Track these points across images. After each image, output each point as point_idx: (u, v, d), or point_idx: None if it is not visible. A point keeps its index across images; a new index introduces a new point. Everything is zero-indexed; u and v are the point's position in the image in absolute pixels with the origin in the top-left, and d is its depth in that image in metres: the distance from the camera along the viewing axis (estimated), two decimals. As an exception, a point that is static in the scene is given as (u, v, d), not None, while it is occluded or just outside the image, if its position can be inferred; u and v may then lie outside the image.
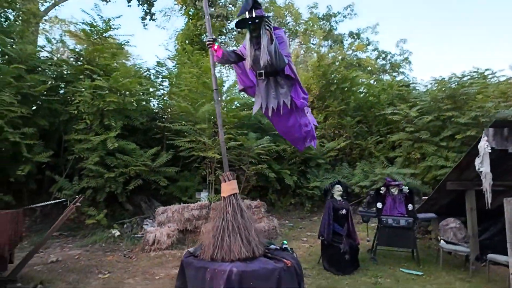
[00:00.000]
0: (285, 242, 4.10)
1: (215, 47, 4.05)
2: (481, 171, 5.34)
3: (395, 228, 6.12)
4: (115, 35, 10.63)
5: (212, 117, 8.95)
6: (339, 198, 5.96)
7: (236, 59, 4.31)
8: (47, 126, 9.27)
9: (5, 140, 7.90)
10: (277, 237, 7.94)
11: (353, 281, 5.19)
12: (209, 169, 8.67)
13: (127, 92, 9.66)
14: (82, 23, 10.03)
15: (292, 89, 4.36)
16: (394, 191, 6.51)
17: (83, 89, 9.13)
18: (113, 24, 10.31)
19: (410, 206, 6.38)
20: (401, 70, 26.55)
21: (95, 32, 10.02)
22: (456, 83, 11.12)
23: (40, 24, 15.12)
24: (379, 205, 6.57)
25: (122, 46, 10.83)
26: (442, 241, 6.15)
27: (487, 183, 5.30)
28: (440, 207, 7.79)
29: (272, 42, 3.79)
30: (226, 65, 16.79)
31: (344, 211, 5.80)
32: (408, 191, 6.48)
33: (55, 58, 10.63)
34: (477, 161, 5.43)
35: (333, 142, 12.20)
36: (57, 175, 9.05)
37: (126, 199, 9.67)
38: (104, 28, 10.03)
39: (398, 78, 21.88)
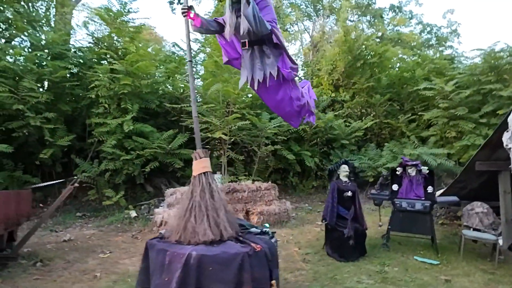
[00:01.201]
0: (266, 225, 3.79)
1: (191, 15, 3.73)
2: (510, 148, 4.59)
3: (410, 212, 5.54)
4: (133, 19, 10.64)
5: (224, 97, 8.69)
6: (345, 179, 5.48)
7: (217, 29, 3.97)
8: (70, 111, 9.57)
9: (28, 125, 8.25)
10: (289, 220, 7.64)
11: (355, 268, 4.77)
12: (221, 150, 8.47)
13: (148, 76, 9.68)
14: (100, 8, 10.12)
15: (279, 59, 3.96)
16: (412, 171, 5.88)
17: (101, 74, 9.27)
18: (130, 8, 10.33)
19: (430, 189, 5.73)
20: (448, 44, 24.26)
21: (112, 15, 10.07)
22: (506, 54, 9.83)
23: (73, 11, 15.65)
24: (394, 187, 5.99)
25: (140, 28, 10.80)
26: (465, 227, 5.47)
27: (517, 162, 4.55)
28: (470, 191, 6.99)
29: (249, 4, 3.40)
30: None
31: (350, 193, 5.33)
32: (428, 171, 5.81)
33: (77, 45, 10.89)
34: (506, 136, 4.67)
35: (360, 121, 11.46)
36: (83, 158, 9.37)
37: (147, 182, 9.84)
38: (119, 11, 10.04)
39: (445, 53, 19.92)
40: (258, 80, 3.90)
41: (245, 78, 4.05)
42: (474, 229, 5.44)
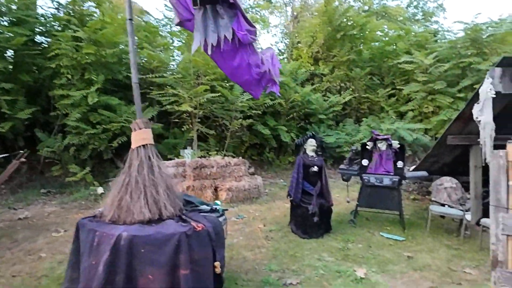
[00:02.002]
0: (217, 202, 3.52)
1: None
2: (480, 121, 4.37)
3: (378, 187, 5.36)
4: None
5: (194, 68, 8.21)
6: (312, 153, 5.23)
7: None
8: (32, 82, 8.95)
9: (-20, 96, 7.67)
10: (260, 196, 7.43)
11: (318, 245, 4.60)
12: (190, 124, 8.08)
13: (114, 45, 9.04)
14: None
15: (234, 20, 3.56)
16: (382, 146, 5.67)
17: (63, 42, 8.62)
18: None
19: (399, 164, 5.54)
20: (434, 19, 23.84)
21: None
22: (487, 27, 9.53)
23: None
24: (364, 162, 5.78)
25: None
26: (434, 203, 5.34)
27: (486, 135, 4.35)
28: (443, 165, 6.87)
29: None
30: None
31: (316, 168, 5.09)
32: (398, 146, 5.60)
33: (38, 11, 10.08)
34: (476, 109, 4.45)
35: (339, 96, 11.17)
36: (48, 132, 8.86)
37: (118, 157, 9.43)
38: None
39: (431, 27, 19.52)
40: (212, 43, 3.52)
41: (198, 42, 3.64)
42: (442, 204, 5.31)
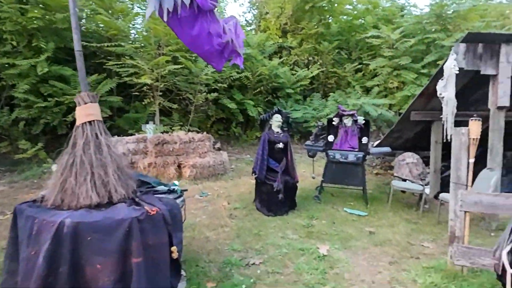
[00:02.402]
0: (175, 183, 3.31)
1: None
2: (443, 97, 4.39)
3: (343, 163, 5.35)
4: None
5: (155, 37, 7.68)
6: (277, 129, 5.08)
7: None
8: (-29, 48, 8.03)
9: None
10: (226, 172, 7.27)
11: (282, 222, 4.55)
12: (151, 97, 7.65)
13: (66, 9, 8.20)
14: None
15: (192, -17, 3.23)
16: (348, 122, 5.62)
17: (5, 4, 7.72)
18: None
19: (364, 139, 5.54)
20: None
21: None
22: (451, 2, 9.58)
23: None
24: (330, 138, 5.74)
25: None
26: (396, 178, 5.43)
27: (449, 111, 4.38)
28: (405, 141, 7.01)
29: None
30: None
31: (281, 145, 4.97)
32: (363, 122, 5.58)
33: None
34: (440, 85, 4.45)
35: (306, 70, 11.01)
36: (-5, 104, 8.08)
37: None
38: None
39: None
40: (168, 9, 3.19)
41: (153, 7, 3.28)
42: (404, 180, 5.41)
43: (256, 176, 4.93)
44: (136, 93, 7.81)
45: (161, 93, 7.69)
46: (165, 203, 2.79)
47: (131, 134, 8.05)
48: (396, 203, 5.54)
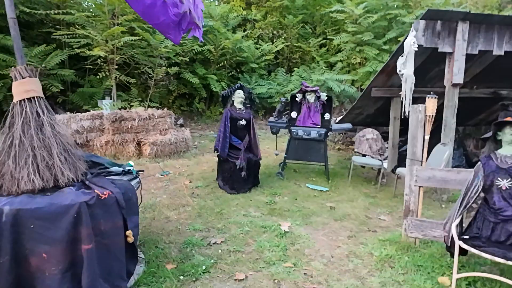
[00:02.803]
0: (130, 163, 3.13)
1: None
2: (402, 74, 4.45)
3: (306, 140, 5.38)
4: None
5: (109, 5, 7.12)
6: (239, 106, 4.97)
7: None
8: None
9: None
10: (188, 150, 7.10)
11: (245, 200, 4.53)
12: (107, 71, 7.18)
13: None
14: None
15: None
16: (311, 98, 5.61)
17: None
18: None
19: (326, 116, 5.58)
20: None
21: None
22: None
23: None
24: (293, 114, 5.72)
25: None
26: (356, 154, 5.55)
27: (407, 88, 4.46)
28: (366, 116, 7.15)
29: None
30: None
31: (244, 122, 4.87)
32: (326, 98, 5.59)
33: None
34: (400, 62, 4.49)
35: (271, 44, 10.82)
36: None
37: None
38: None
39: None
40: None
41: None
42: (364, 155, 5.55)
43: (218, 153, 4.83)
44: (90, 66, 7.29)
45: (117, 67, 7.23)
46: (119, 186, 2.64)
47: (87, 111, 7.60)
48: (356, 178, 5.70)
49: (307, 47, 11.34)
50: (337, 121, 7.35)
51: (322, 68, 10.47)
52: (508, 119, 2.51)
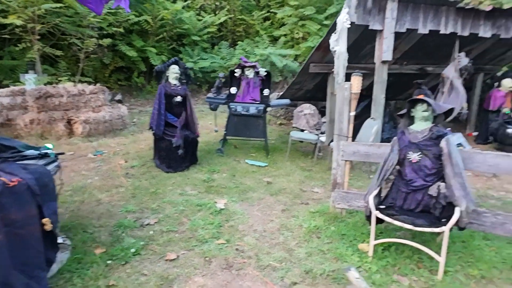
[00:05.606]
0: (47, 146, 2.90)
1: None
2: (335, 50, 4.56)
3: (245, 116, 5.38)
4: None
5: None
6: (175, 82, 4.79)
7: None
8: None
9: None
10: (125, 127, 6.78)
11: (182, 179, 4.47)
12: (28, 42, 6.48)
13: None
14: None
15: None
16: (250, 73, 5.57)
17: None
18: None
19: (266, 91, 5.60)
20: None
21: None
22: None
23: None
24: (233, 90, 5.66)
25: None
26: (294, 129, 5.68)
27: (340, 64, 4.59)
28: (306, 92, 7.30)
29: None
30: None
31: (179, 98, 4.73)
32: (265, 74, 5.59)
33: None
34: (333, 38, 4.59)
35: (214, 15, 10.46)
36: None
37: None
38: None
39: None
40: None
41: None
42: (302, 130, 5.70)
43: (153, 131, 4.66)
44: (7, 36, 6.51)
45: (39, 37, 6.54)
46: (32, 171, 2.44)
47: (8, 86, 6.86)
48: (295, 152, 5.87)
49: (251, 20, 11.15)
50: (279, 96, 7.42)
51: (266, 42, 10.39)
52: (420, 97, 2.70)
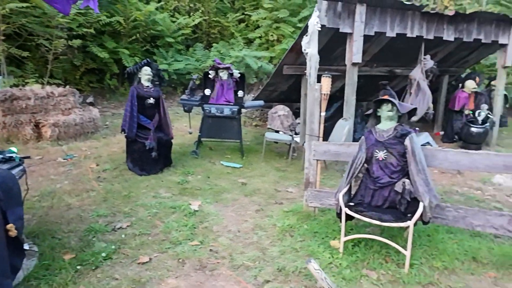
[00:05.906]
0: (11, 149, 2.81)
1: None
2: (307, 53, 4.65)
3: (219, 117, 5.39)
4: None
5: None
6: (147, 83, 4.74)
7: None
8: None
9: None
10: (97, 130, 6.62)
11: (156, 181, 4.43)
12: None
13: None
14: None
15: None
16: (224, 75, 5.59)
17: None
18: None
19: (240, 93, 5.63)
20: None
21: None
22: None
23: None
24: (207, 91, 5.66)
25: None
26: (269, 130, 5.74)
27: (312, 66, 4.66)
28: (280, 93, 7.39)
29: None
30: None
31: (152, 100, 4.68)
32: (239, 75, 5.62)
33: None
34: (305, 41, 4.67)
35: (188, 17, 10.39)
36: None
37: None
38: None
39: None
40: None
41: None
42: (276, 131, 5.77)
43: (125, 134, 4.59)
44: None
45: (4, 37, 6.30)
46: (-4, 176, 2.36)
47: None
48: (270, 153, 5.93)
49: (226, 22, 11.16)
50: (252, 98, 7.47)
51: (240, 44, 10.43)
52: (385, 97, 2.81)
